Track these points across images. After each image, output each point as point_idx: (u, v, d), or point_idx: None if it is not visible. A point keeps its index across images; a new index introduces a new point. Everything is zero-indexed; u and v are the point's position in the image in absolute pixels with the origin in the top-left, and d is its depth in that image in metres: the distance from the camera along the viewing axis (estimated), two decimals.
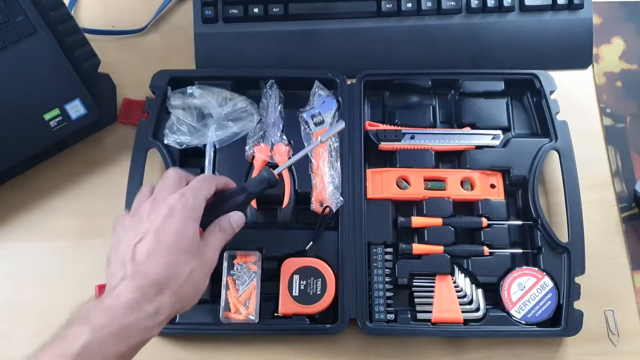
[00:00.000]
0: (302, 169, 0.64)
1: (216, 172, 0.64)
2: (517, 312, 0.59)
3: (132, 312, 0.42)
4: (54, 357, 0.39)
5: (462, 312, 0.59)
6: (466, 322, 0.59)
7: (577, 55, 0.72)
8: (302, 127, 0.67)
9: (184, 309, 0.47)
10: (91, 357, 0.39)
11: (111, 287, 0.44)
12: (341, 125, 0.61)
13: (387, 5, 0.70)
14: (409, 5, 0.70)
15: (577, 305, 0.59)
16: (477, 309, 0.60)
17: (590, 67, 0.72)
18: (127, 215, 0.50)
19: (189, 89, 0.66)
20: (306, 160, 0.65)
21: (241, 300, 0.59)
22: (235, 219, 0.52)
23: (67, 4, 0.66)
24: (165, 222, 0.46)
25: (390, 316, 0.59)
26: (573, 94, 0.70)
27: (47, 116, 0.62)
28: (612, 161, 0.68)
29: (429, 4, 0.70)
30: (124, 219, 0.50)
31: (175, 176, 0.51)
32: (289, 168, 0.64)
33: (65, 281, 0.62)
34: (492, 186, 0.64)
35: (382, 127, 0.66)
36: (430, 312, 0.59)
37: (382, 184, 0.64)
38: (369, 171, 0.64)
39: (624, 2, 0.75)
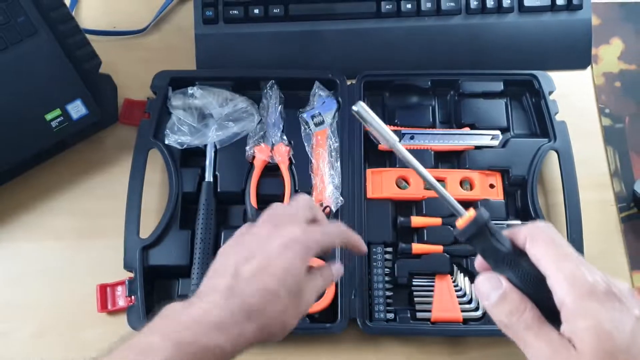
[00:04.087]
0: (302, 169, 0.65)
1: (217, 173, 0.64)
2: None
3: (217, 332, 0.39)
4: None
5: (462, 311, 0.60)
6: (465, 321, 0.59)
7: (576, 55, 0.72)
8: (303, 128, 0.67)
9: (262, 341, 0.42)
10: None
11: (202, 293, 0.42)
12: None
13: (387, 6, 0.70)
14: (409, 6, 0.70)
15: None
16: (477, 308, 0.60)
17: (589, 68, 0.73)
18: (251, 226, 0.48)
19: (190, 90, 0.66)
20: (306, 160, 0.65)
21: None
22: (339, 272, 0.50)
23: (68, 5, 0.66)
24: (279, 252, 0.43)
25: (390, 315, 0.60)
26: (572, 94, 0.70)
27: (48, 116, 0.62)
28: (610, 161, 0.68)
29: (429, 4, 0.70)
30: (246, 229, 0.48)
31: (306, 205, 0.48)
32: (289, 168, 0.65)
33: (65, 281, 0.62)
34: (491, 186, 0.65)
35: None
36: (430, 311, 0.60)
37: (381, 183, 0.64)
38: (368, 171, 0.65)
39: (623, 3, 0.76)
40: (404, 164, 0.63)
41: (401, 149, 0.41)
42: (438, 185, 0.40)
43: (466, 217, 0.38)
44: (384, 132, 0.41)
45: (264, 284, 0.42)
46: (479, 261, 0.40)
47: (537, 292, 0.36)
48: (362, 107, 0.40)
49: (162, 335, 0.38)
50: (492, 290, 0.37)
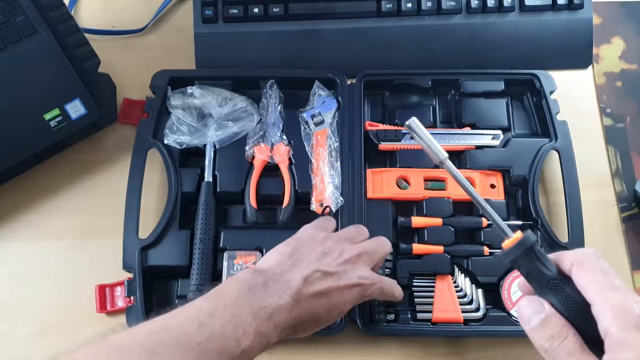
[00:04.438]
0: (302, 169, 0.64)
1: (216, 173, 0.64)
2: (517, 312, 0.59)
3: (276, 331, 0.43)
4: (219, 353, 0.40)
5: (462, 312, 0.59)
6: (466, 322, 0.59)
7: (577, 55, 0.72)
8: (302, 127, 0.67)
9: (289, 334, 0.46)
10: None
11: (277, 277, 0.46)
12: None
13: (387, 5, 0.70)
14: (409, 5, 0.70)
15: None
16: (477, 309, 0.60)
17: (590, 67, 0.73)
18: (322, 234, 0.54)
19: (189, 89, 0.66)
20: (306, 160, 0.65)
21: None
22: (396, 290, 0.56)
23: (67, 4, 0.66)
24: (350, 288, 0.49)
25: (391, 316, 0.60)
26: (573, 94, 0.70)
27: (47, 116, 0.62)
28: (612, 161, 0.68)
29: (429, 4, 0.70)
30: (316, 233, 0.54)
31: (385, 253, 0.56)
32: (289, 168, 0.65)
33: (65, 281, 0.62)
34: (492, 186, 0.64)
35: (382, 127, 0.66)
36: (431, 312, 0.59)
37: (382, 183, 0.64)
38: (369, 171, 0.64)
39: (624, 2, 0.75)
40: (404, 164, 0.64)
41: (451, 166, 0.42)
42: (487, 206, 0.41)
43: (513, 238, 0.38)
44: (435, 149, 0.42)
45: (321, 309, 0.47)
46: (522, 284, 0.40)
47: (580, 319, 0.36)
48: (414, 123, 0.42)
49: (253, 317, 0.42)
50: (534, 314, 0.37)
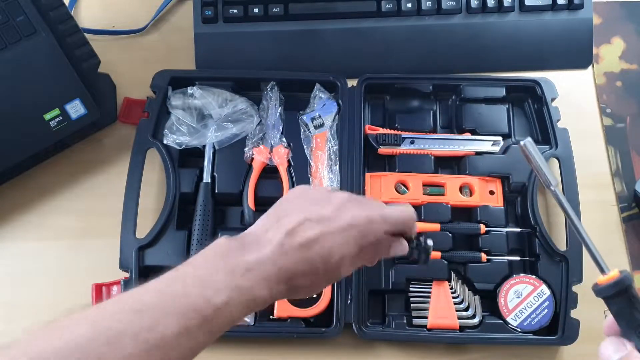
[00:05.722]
0: (301, 172, 0.64)
1: (215, 174, 0.64)
2: (513, 320, 0.59)
3: (264, 285, 0.39)
4: (185, 312, 0.36)
5: (459, 318, 0.59)
6: (462, 328, 0.59)
7: (577, 55, 0.71)
8: (302, 130, 0.66)
9: (286, 290, 0.42)
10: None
11: (256, 237, 0.42)
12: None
13: (387, 5, 0.69)
14: (409, 5, 0.69)
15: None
16: (474, 316, 0.60)
17: (590, 67, 0.72)
18: (313, 188, 0.49)
19: (190, 90, 0.66)
20: (305, 162, 0.65)
21: None
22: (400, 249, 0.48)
23: (67, 4, 0.66)
24: (342, 232, 0.43)
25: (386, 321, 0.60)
26: (573, 94, 0.69)
27: (47, 116, 0.62)
28: (612, 161, 0.68)
29: (429, 4, 0.69)
30: (306, 187, 0.48)
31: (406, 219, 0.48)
32: (288, 171, 0.65)
33: (65, 281, 0.62)
34: (491, 192, 0.64)
35: (382, 131, 0.66)
36: (427, 317, 0.59)
37: (380, 188, 0.64)
38: (367, 175, 0.64)
39: (624, 2, 0.75)
40: (404, 169, 0.64)
41: (559, 192, 0.42)
42: (589, 240, 0.40)
43: (610, 275, 0.38)
44: (546, 173, 0.42)
45: (316, 257, 0.41)
46: (608, 324, 0.39)
47: None
48: (530, 143, 0.42)
49: (225, 274, 0.38)
50: (614, 353, 0.37)
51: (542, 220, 0.62)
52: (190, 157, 0.66)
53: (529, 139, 0.42)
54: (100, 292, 0.61)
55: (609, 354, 0.37)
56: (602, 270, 0.38)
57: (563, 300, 0.59)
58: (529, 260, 0.62)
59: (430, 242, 0.49)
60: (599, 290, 0.38)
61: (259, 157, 0.64)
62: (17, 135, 0.61)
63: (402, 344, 0.60)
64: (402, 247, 0.47)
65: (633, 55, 0.72)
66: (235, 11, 0.69)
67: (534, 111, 0.68)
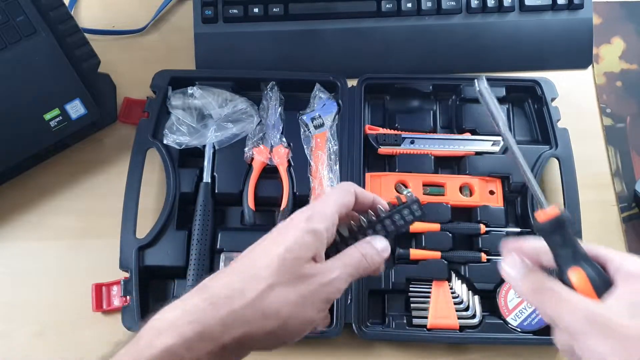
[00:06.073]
0: (301, 172, 0.64)
1: (215, 174, 0.64)
2: (513, 320, 0.59)
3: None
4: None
5: (458, 318, 0.59)
6: (462, 328, 0.59)
7: (577, 55, 0.71)
8: (302, 130, 0.66)
9: (255, 339, 0.37)
10: None
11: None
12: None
13: (387, 5, 0.69)
14: (409, 5, 0.69)
15: None
16: (474, 316, 0.60)
17: (590, 67, 0.72)
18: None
19: (190, 90, 0.66)
20: (305, 162, 0.65)
21: None
22: (378, 245, 0.42)
23: (67, 4, 0.66)
24: (271, 239, 0.40)
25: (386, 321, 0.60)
26: (573, 94, 0.69)
27: (47, 116, 0.62)
28: (612, 161, 0.68)
29: (429, 4, 0.69)
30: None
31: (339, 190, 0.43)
32: (288, 171, 0.64)
33: (65, 281, 0.62)
34: (491, 192, 0.64)
35: (382, 131, 0.66)
36: (426, 317, 0.59)
37: (380, 188, 0.64)
38: (367, 175, 0.64)
39: (624, 2, 0.75)
40: (404, 169, 0.64)
41: (508, 134, 0.41)
42: (532, 176, 0.41)
43: (550, 212, 0.38)
44: (496, 113, 0.41)
45: (239, 272, 0.38)
46: (514, 245, 0.41)
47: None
48: (484, 84, 0.41)
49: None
50: (513, 269, 0.40)
51: None
52: (190, 157, 0.66)
53: (484, 78, 0.41)
54: (100, 292, 0.61)
55: (509, 271, 0.40)
56: (542, 207, 0.39)
57: None
58: None
59: (408, 192, 0.46)
60: (539, 228, 0.39)
61: (259, 157, 0.64)
62: (17, 135, 0.61)
63: (402, 344, 0.60)
64: (376, 242, 0.42)
65: (633, 55, 0.73)
66: (235, 11, 0.69)
67: (534, 111, 0.68)
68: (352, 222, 0.44)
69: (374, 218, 0.44)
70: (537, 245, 0.40)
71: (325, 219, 0.40)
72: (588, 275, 0.37)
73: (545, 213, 0.38)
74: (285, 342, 0.38)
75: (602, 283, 0.37)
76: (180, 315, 0.36)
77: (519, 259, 0.40)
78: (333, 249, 0.42)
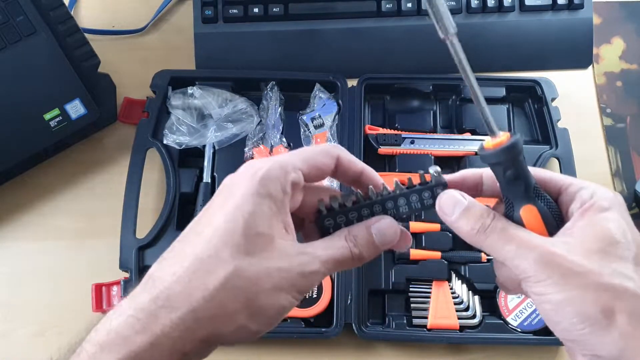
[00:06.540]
0: None
1: (215, 174, 0.64)
2: (513, 320, 0.59)
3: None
4: None
5: (459, 318, 0.59)
6: (462, 328, 0.59)
7: (577, 55, 0.71)
8: (302, 130, 0.67)
9: (217, 331, 0.30)
10: None
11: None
12: None
13: (387, 5, 0.69)
14: (409, 5, 0.69)
15: None
16: (474, 316, 0.60)
17: (590, 67, 0.72)
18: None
19: (190, 89, 0.66)
20: None
21: None
22: (382, 227, 0.34)
23: (67, 4, 0.66)
24: (219, 203, 0.32)
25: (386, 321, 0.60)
26: (573, 94, 0.69)
27: (47, 116, 0.62)
28: (612, 161, 0.68)
29: None
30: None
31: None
32: None
33: (65, 281, 0.62)
34: None
35: (382, 131, 0.66)
36: (427, 318, 0.59)
37: None
38: None
39: (624, 2, 0.75)
40: (404, 169, 0.64)
41: (456, 42, 0.34)
42: (482, 97, 0.34)
43: (500, 140, 0.32)
44: (446, 18, 0.32)
45: (181, 258, 0.30)
46: (454, 178, 0.36)
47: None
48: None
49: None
50: (458, 202, 0.34)
51: None
52: (190, 157, 0.66)
53: None
54: (100, 292, 0.61)
55: (448, 207, 0.34)
56: (492, 133, 0.33)
57: None
58: None
59: (436, 171, 0.36)
60: (485, 155, 0.33)
61: (259, 157, 0.64)
62: (17, 135, 0.61)
63: (402, 344, 0.60)
64: (385, 221, 0.34)
65: (633, 55, 0.73)
66: (235, 11, 0.69)
67: (534, 111, 0.68)
68: (358, 191, 0.36)
69: (387, 193, 0.36)
70: (479, 175, 0.35)
71: (277, 177, 0.32)
72: (540, 210, 0.33)
73: (494, 140, 0.32)
74: (259, 333, 0.32)
75: (556, 219, 0.33)
76: (126, 324, 0.29)
77: (457, 193, 0.34)
78: (327, 220, 0.35)
